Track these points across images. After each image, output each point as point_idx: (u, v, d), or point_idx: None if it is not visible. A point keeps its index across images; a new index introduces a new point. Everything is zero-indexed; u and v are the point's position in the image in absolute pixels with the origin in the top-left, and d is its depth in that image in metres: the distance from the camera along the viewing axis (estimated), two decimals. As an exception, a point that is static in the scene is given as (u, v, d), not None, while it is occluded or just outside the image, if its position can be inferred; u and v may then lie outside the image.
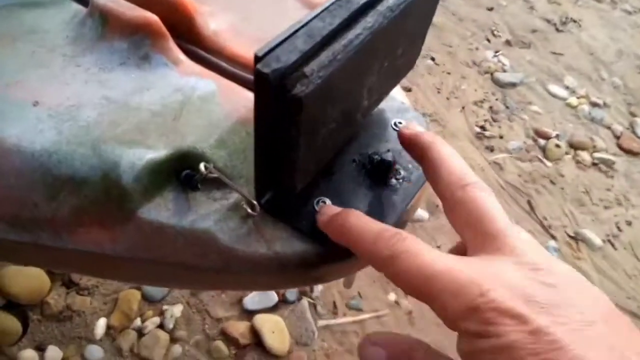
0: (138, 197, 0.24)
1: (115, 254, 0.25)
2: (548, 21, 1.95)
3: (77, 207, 0.25)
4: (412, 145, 0.27)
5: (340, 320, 1.04)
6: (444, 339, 1.05)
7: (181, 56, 0.30)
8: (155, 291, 0.99)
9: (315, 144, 0.22)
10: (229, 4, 0.35)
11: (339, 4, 0.21)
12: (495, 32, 1.84)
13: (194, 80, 0.29)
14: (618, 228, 1.36)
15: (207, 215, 0.25)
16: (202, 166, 0.24)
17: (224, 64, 0.31)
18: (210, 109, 0.28)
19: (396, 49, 0.25)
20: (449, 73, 1.64)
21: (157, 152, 0.25)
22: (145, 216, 0.25)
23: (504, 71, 1.69)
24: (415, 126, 0.28)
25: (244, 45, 0.32)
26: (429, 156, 0.25)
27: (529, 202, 1.35)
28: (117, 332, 0.94)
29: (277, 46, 0.19)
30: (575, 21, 1.99)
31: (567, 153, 1.50)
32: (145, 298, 0.99)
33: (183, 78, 0.29)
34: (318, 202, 0.27)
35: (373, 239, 0.22)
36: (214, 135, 0.27)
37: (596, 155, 1.51)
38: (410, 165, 0.30)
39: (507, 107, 1.59)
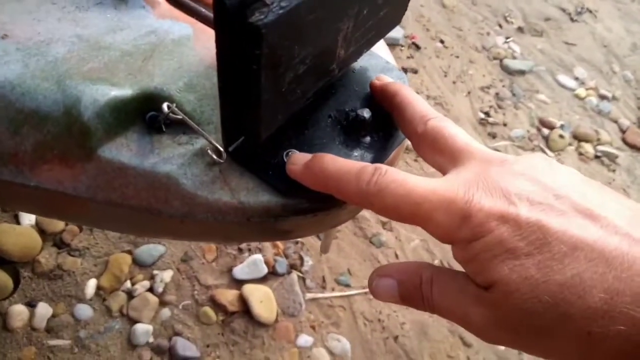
0: (100, 134, 0.24)
1: (76, 193, 0.25)
2: (563, 10, 1.91)
3: (40, 142, 0.24)
4: (382, 95, 0.29)
5: (328, 294, 1.04)
6: (429, 318, 1.06)
7: (159, -1, 0.29)
8: (146, 256, 1.00)
9: (280, 86, 0.22)
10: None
11: None
12: (508, 18, 1.81)
13: (169, 23, 0.28)
14: (616, 222, 1.36)
15: (171, 158, 0.25)
16: (164, 106, 0.23)
17: (201, 9, 0.30)
18: (183, 52, 0.27)
19: (374, -4, 0.24)
20: (457, 57, 1.61)
21: (122, 90, 0.24)
22: (107, 155, 0.24)
23: (514, 58, 1.66)
24: (387, 78, 0.29)
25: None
26: (396, 102, 0.27)
27: (528, 191, 1.34)
28: (107, 293, 0.95)
29: None
30: (591, 11, 1.95)
31: (570, 144, 1.48)
32: (136, 262, 0.99)
33: (159, 21, 0.29)
34: (287, 154, 0.27)
35: (355, 179, 0.23)
36: (184, 78, 0.26)
37: (600, 148, 1.49)
38: (387, 124, 0.29)
39: (513, 95, 1.57)
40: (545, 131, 1.49)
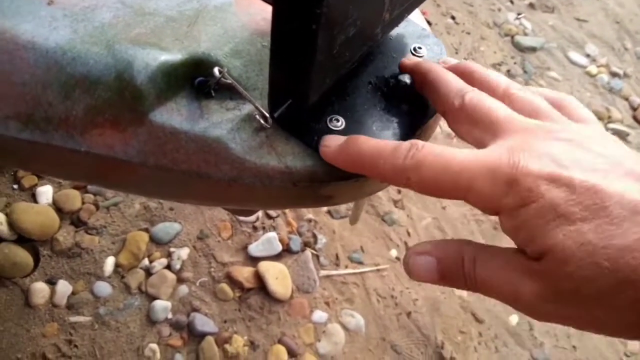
0: (151, 99, 0.24)
1: (127, 157, 0.25)
2: (575, -15, 1.89)
3: (91, 106, 0.24)
4: (414, 75, 0.28)
5: (342, 271, 1.06)
6: (441, 295, 1.07)
7: (199, -35, 0.29)
8: (163, 234, 1.01)
9: (332, 48, 0.22)
10: None
11: None
12: (519, -6, 1.79)
13: (211, -11, 0.28)
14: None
15: (220, 123, 0.25)
16: (215, 70, 0.24)
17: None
18: (226, 17, 0.27)
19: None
20: (468, 33, 1.60)
21: (171, 55, 0.25)
22: (158, 119, 0.24)
23: (525, 35, 1.65)
24: (416, 59, 0.29)
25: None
26: (429, 79, 0.27)
27: (539, 169, 1.34)
28: (125, 270, 0.96)
29: None
30: (603, -13, 1.92)
31: (582, 122, 1.48)
32: (153, 240, 1.01)
33: (200, -13, 0.29)
34: (331, 119, 0.27)
35: (392, 156, 0.22)
36: (229, 44, 0.26)
37: (610, 125, 1.49)
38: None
39: (525, 72, 1.56)
40: (557, 109, 1.49)
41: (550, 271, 0.19)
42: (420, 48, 0.31)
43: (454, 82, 0.26)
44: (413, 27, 0.32)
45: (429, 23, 1.58)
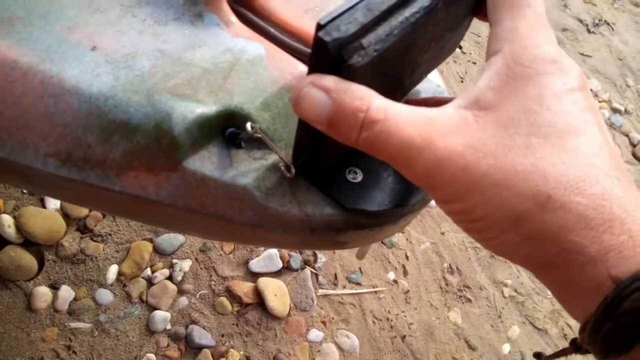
0: (186, 148, 0.26)
1: (158, 198, 0.27)
2: (580, 21, 1.92)
3: (129, 151, 0.26)
4: None
5: (339, 291, 1.07)
6: (436, 320, 1.08)
7: (232, 18, 0.31)
8: (166, 245, 1.02)
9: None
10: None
11: None
12: (526, 26, 1.82)
13: (244, 42, 0.30)
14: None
15: (247, 172, 0.27)
16: (248, 125, 0.25)
17: (272, 30, 0.32)
18: (258, 72, 0.29)
19: (446, 31, 0.26)
20: (474, 63, 1.63)
21: (207, 107, 0.26)
22: (191, 166, 0.26)
23: (530, 67, 1.68)
24: None
25: (293, 13, 0.33)
26: None
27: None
28: (128, 279, 0.98)
29: (338, 16, 0.20)
30: (608, 24, 1.96)
31: (582, 156, 1.50)
32: (157, 250, 1.02)
33: (233, 39, 0.31)
34: (350, 171, 0.29)
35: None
36: (260, 98, 0.28)
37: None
38: None
39: (528, 104, 1.59)
40: (558, 141, 1.51)
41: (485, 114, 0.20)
42: (435, 105, 0.33)
43: None
44: (429, 83, 0.34)
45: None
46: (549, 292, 1.21)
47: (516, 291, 1.23)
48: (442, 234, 1.26)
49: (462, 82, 1.57)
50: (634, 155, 1.60)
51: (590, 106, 0.21)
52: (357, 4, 0.21)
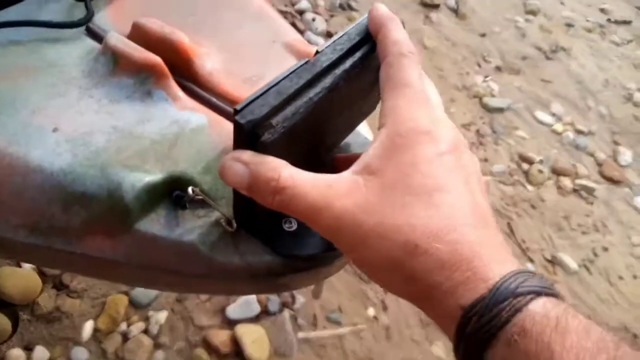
0: (136, 212, 0.30)
1: (115, 258, 0.30)
2: (539, 49, 2.02)
3: (86, 218, 0.30)
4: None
5: (320, 333, 1.08)
6: (419, 354, 1.10)
7: (179, 93, 0.36)
8: (142, 297, 1.03)
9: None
10: (222, 45, 0.41)
11: (305, 67, 0.27)
12: (487, 58, 1.91)
13: (188, 114, 0.35)
14: (594, 253, 1.42)
15: (193, 229, 0.31)
16: (190, 190, 0.29)
17: (215, 100, 0.37)
18: (200, 139, 0.33)
19: (354, 99, 0.31)
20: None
21: (154, 176, 0.30)
22: (141, 228, 0.30)
23: (493, 96, 1.76)
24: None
25: (234, 84, 0.38)
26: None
27: (509, 225, 1.41)
28: (104, 335, 0.98)
29: (253, 101, 0.25)
30: (565, 50, 2.06)
31: (549, 178, 1.56)
32: (132, 303, 1.02)
33: (179, 112, 0.35)
34: (285, 222, 0.33)
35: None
36: (202, 163, 0.32)
37: (578, 182, 1.57)
38: None
39: (493, 132, 1.65)
40: (525, 166, 1.57)
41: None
42: (362, 156, 0.37)
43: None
44: (357, 136, 0.38)
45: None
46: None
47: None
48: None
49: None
50: (601, 174, 1.66)
51: (459, 166, 0.25)
52: (270, 88, 0.26)
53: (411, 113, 0.26)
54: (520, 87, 1.84)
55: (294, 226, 0.33)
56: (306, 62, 0.27)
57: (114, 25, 0.42)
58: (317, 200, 0.24)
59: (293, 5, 1.80)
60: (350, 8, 1.89)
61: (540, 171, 1.55)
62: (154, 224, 0.30)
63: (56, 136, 0.32)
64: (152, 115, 0.34)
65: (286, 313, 1.07)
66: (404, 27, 0.30)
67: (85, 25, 0.41)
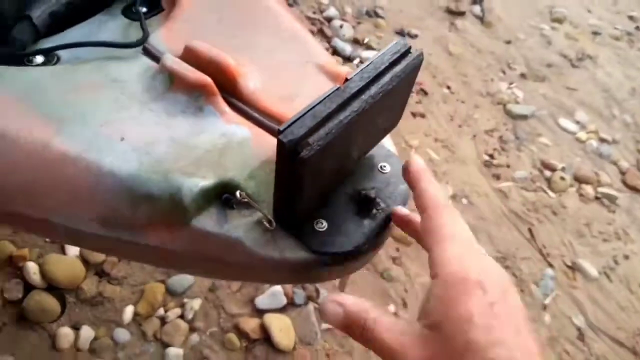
0: (192, 211, 0.35)
1: (173, 248, 0.36)
2: (564, 56, 2.03)
3: (150, 215, 0.36)
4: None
5: (342, 325, 1.14)
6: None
7: (226, 108, 0.42)
8: (178, 285, 1.11)
9: (315, 185, 0.33)
10: (262, 66, 0.46)
11: (336, 93, 0.32)
12: (512, 65, 1.93)
13: (234, 127, 0.40)
14: (615, 261, 1.43)
15: (238, 226, 0.36)
16: (237, 193, 0.35)
17: (256, 115, 0.42)
18: (245, 150, 0.39)
19: (377, 120, 0.36)
20: (463, 102, 1.73)
21: (207, 181, 0.36)
22: (196, 224, 0.36)
23: (517, 103, 1.77)
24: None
25: (272, 101, 0.43)
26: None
27: (529, 230, 1.43)
28: (143, 318, 1.06)
29: (292, 123, 0.30)
30: (591, 57, 2.06)
31: (571, 186, 1.57)
32: (169, 291, 1.10)
33: (226, 125, 0.40)
34: (317, 222, 0.38)
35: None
36: (247, 170, 0.38)
37: (600, 189, 1.58)
38: (388, 200, 0.40)
39: (517, 138, 1.67)
40: (547, 173, 1.58)
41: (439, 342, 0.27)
42: (385, 166, 0.42)
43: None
44: (381, 149, 0.43)
45: (425, 93, 1.72)
46: (546, 319, 1.26)
47: (513, 319, 1.27)
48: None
49: (451, 120, 1.67)
50: (624, 182, 1.66)
51: (509, 313, 0.28)
52: (307, 112, 0.31)
53: (461, 264, 0.29)
54: (544, 94, 1.85)
55: (325, 226, 0.38)
56: (337, 89, 0.33)
57: (166, 45, 0.47)
58: (394, 345, 0.28)
59: (321, 12, 1.85)
60: (377, 15, 1.93)
61: (563, 178, 1.57)
62: (207, 221, 0.36)
63: (123, 145, 0.38)
64: (204, 128, 0.40)
65: (311, 306, 1.13)
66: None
67: (142, 45, 0.47)
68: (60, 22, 0.50)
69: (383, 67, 0.35)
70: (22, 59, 0.45)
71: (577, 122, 1.79)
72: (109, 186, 0.36)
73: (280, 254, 0.36)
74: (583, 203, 1.55)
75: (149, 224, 0.36)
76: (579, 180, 1.60)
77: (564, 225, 1.47)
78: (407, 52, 0.37)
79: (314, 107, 0.31)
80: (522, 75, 1.90)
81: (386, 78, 0.35)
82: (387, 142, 0.45)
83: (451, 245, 0.30)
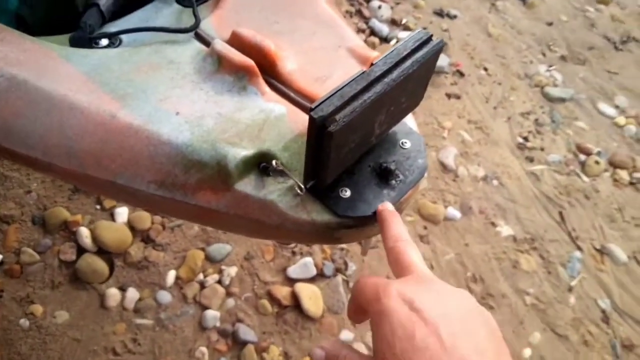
0: (235, 177, 0.41)
1: (217, 208, 0.42)
2: (608, 39, 1.98)
3: (200, 179, 0.42)
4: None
5: (369, 296, 1.20)
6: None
7: (266, 88, 0.47)
8: (216, 253, 1.19)
9: (340, 156, 0.38)
10: (300, 51, 0.51)
11: (362, 76, 0.37)
12: (552, 47, 1.90)
13: (273, 105, 0.46)
14: (646, 247, 1.43)
15: (273, 191, 0.42)
16: (273, 162, 0.40)
17: (292, 94, 0.47)
18: (281, 125, 0.44)
19: (399, 100, 0.40)
20: (499, 84, 1.73)
21: (248, 151, 0.42)
22: (237, 188, 0.42)
23: (555, 86, 1.76)
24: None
25: (307, 82, 0.48)
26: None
27: (560, 213, 1.44)
28: (184, 282, 1.15)
29: (322, 102, 0.35)
30: (636, 40, 2.00)
31: (605, 170, 1.56)
32: (208, 258, 1.19)
33: (265, 103, 0.46)
34: (342, 190, 0.43)
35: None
36: (282, 143, 0.43)
37: (635, 175, 1.56)
38: (407, 172, 0.45)
39: (552, 121, 1.67)
40: (582, 157, 1.58)
41: None
42: (405, 142, 0.47)
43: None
44: (403, 126, 0.48)
45: (461, 74, 1.72)
46: (570, 301, 1.28)
47: (538, 299, 1.29)
48: (466, 245, 1.36)
49: (487, 102, 1.67)
50: (662, 168, 1.64)
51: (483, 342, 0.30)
52: (335, 92, 0.36)
53: (420, 300, 0.32)
54: (584, 77, 1.82)
55: (348, 194, 0.43)
56: (363, 72, 0.37)
57: (216, 31, 0.53)
58: None
59: (359, -7, 1.87)
60: (415, -5, 1.93)
61: (597, 162, 1.56)
62: (247, 185, 0.42)
63: (178, 118, 0.44)
64: (246, 105, 0.46)
65: (339, 277, 1.20)
66: None
67: (194, 30, 0.53)
68: (122, 8, 0.56)
69: (405, 53, 0.39)
70: (90, 41, 0.52)
71: (617, 107, 1.76)
72: (166, 153, 0.42)
73: (309, 216, 0.42)
74: (616, 188, 1.54)
75: (198, 186, 0.42)
76: (614, 165, 1.58)
77: (595, 210, 1.47)
78: (429, 39, 0.41)
79: (341, 88, 0.36)
80: (562, 58, 1.87)
81: (407, 63, 0.39)
82: (410, 120, 0.49)
83: (410, 275, 0.35)
